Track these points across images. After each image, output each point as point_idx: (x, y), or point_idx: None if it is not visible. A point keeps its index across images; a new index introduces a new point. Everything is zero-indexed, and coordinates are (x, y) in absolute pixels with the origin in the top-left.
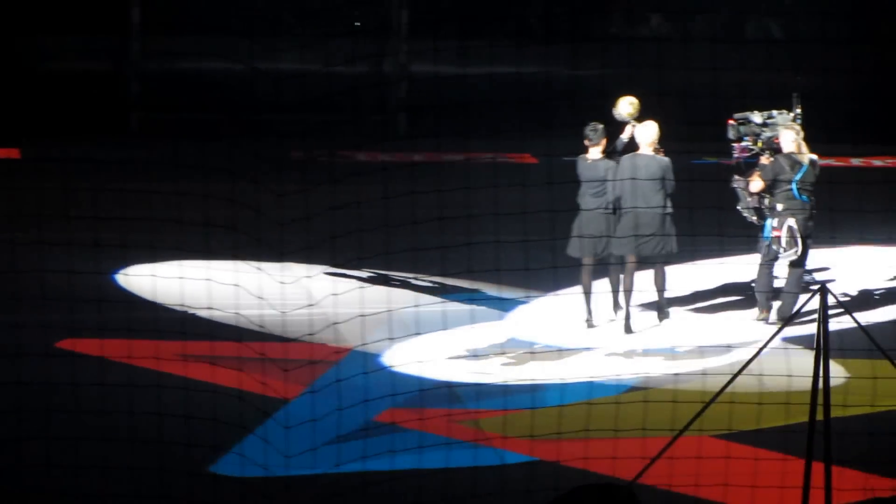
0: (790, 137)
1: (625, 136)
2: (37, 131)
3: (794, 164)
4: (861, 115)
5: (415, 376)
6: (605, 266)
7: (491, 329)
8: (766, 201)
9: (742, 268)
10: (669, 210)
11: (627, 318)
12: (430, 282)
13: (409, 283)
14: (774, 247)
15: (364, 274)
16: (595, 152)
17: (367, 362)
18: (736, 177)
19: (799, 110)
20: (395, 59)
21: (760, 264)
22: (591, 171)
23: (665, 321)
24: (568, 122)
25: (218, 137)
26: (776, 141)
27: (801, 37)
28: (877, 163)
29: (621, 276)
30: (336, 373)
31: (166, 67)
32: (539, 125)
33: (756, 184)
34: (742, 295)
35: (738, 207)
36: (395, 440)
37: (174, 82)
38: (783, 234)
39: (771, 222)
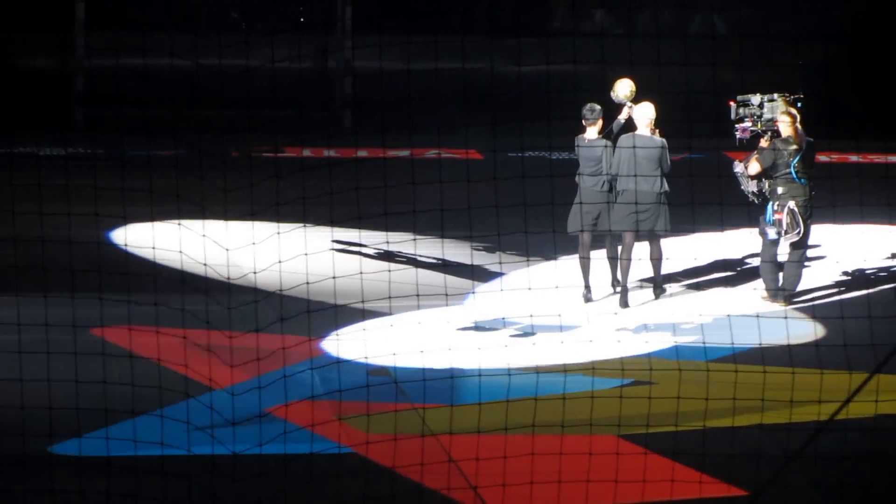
0: (788, 121)
1: (622, 117)
2: None
3: (792, 148)
4: (808, 111)
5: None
6: (603, 242)
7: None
8: (766, 185)
9: (738, 242)
10: (666, 188)
11: (624, 293)
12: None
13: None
14: (777, 229)
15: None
16: (592, 132)
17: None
18: (736, 162)
19: (801, 94)
20: (339, 54)
21: (763, 246)
22: (589, 151)
23: (662, 296)
24: (513, 118)
25: (163, 133)
26: (776, 124)
27: (745, 33)
28: (823, 158)
29: (619, 251)
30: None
31: (111, 63)
32: (484, 121)
33: (754, 166)
34: (736, 270)
35: (742, 188)
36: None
37: (119, 78)
38: (784, 216)
39: (772, 205)
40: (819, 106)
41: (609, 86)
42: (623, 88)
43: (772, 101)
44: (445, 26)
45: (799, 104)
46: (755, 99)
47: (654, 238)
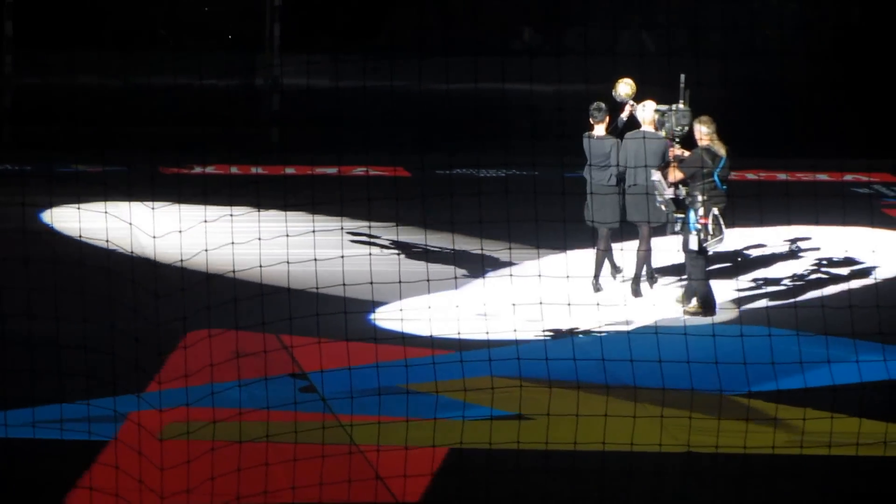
0: (706, 130)
1: (624, 115)
2: None
3: (714, 156)
4: (734, 127)
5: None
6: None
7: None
8: (683, 192)
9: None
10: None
11: (637, 281)
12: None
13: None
14: (702, 235)
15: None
16: (600, 129)
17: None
18: (653, 171)
19: (685, 99)
20: (267, 72)
21: (688, 254)
22: (597, 147)
23: (654, 285)
24: (442, 136)
25: (91, 151)
26: (696, 132)
27: (674, 50)
28: (750, 176)
29: (614, 243)
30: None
31: (39, 81)
32: (412, 138)
33: (675, 174)
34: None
35: (658, 201)
36: None
37: (47, 95)
38: (710, 222)
39: (696, 212)
40: (747, 122)
41: (562, 102)
42: (624, 88)
43: (678, 110)
44: (373, 45)
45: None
46: (685, 110)
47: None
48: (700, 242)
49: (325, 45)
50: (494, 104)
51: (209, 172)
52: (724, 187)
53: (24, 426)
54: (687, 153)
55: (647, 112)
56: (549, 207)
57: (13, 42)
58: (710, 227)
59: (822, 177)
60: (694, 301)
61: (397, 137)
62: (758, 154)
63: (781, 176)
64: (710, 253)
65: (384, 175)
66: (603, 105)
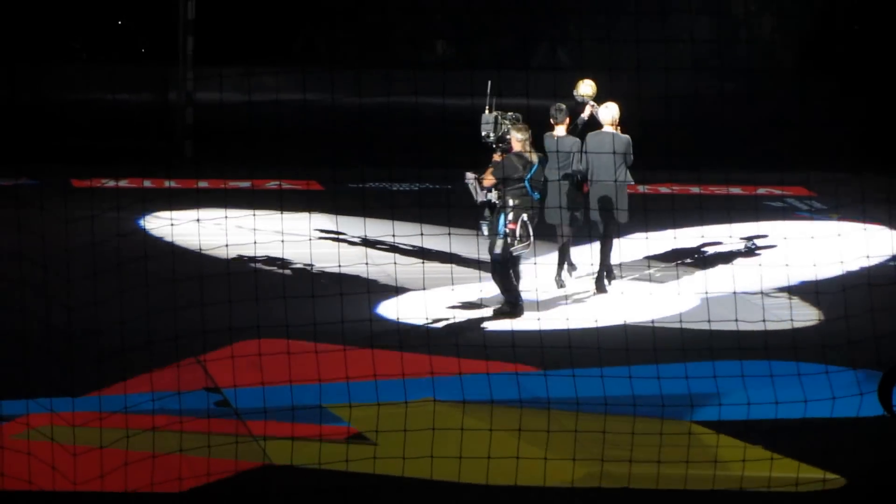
0: (520, 137)
1: (584, 115)
2: None
3: (526, 163)
4: (648, 140)
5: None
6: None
7: None
8: (495, 196)
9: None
10: (630, 181)
11: (600, 278)
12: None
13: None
14: (510, 240)
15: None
16: (560, 130)
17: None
18: (468, 174)
19: (491, 106)
20: (180, 85)
21: (493, 258)
22: (560, 146)
23: (613, 282)
24: (353, 149)
25: (4, 163)
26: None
27: (587, 64)
28: (663, 189)
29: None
30: None
31: None
32: (324, 152)
33: (488, 178)
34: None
35: (474, 198)
36: None
37: None
38: (518, 227)
39: (505, 216)
40: (660, 136)
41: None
42: (585, 88)
43: (505, 119)
44: (285, 58)
45: (497, 114)
46: (489, 116)
47: (612, 225)
48: (506, 247)
49: (238, 58)
50: (407, 117)
51: (122, 186)
52: (536, 195)
53: None
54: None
55: (609, 112)
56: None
57: None
58: (517, 233)
59: (736, 190)
60: (502, 304)
61: (310, 152)
62: (670, 167)
63: (694, 189)
64: (517, 255)
65: (297, 189)
66: (563, 106)
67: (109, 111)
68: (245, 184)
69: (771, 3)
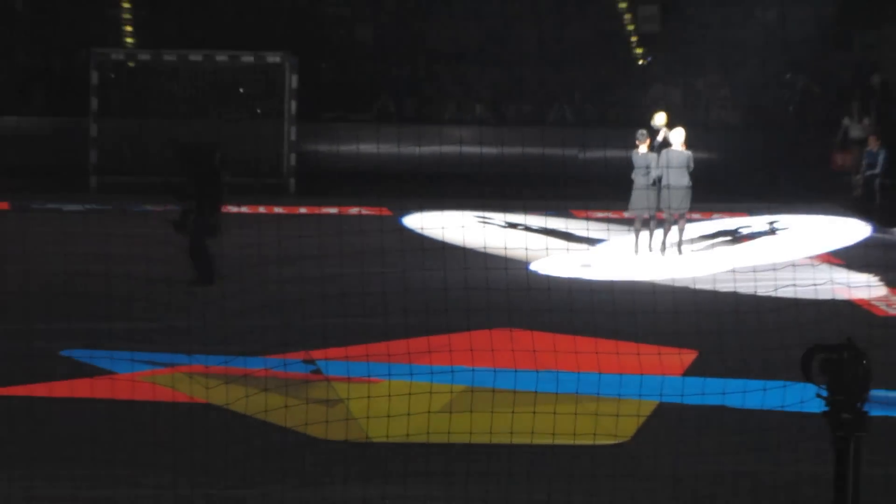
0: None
1: (660, 138)
2: None
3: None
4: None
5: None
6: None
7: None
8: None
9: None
10: (691, 184)
11: (680, 244)
12: None
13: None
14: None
15: None
16: (643, 148)
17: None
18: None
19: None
20: (286, 137)
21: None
22: (641, 160)
23: (685, 254)
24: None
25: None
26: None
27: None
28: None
29: (652, 225)
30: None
31: None
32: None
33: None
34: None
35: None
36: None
37: None
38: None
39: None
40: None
41: None
42: (660, 119)
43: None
44: (365, 116)
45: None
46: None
47: (682, 214)
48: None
49: (329, 116)
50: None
51: (243, 212)
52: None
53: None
54: None
55: (677, 135)
56: None
57: None
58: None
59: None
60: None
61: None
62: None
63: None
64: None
65: (372, 214)
66: (644, 131)
67: (235, 159)
68: (333, 210)
69: None
